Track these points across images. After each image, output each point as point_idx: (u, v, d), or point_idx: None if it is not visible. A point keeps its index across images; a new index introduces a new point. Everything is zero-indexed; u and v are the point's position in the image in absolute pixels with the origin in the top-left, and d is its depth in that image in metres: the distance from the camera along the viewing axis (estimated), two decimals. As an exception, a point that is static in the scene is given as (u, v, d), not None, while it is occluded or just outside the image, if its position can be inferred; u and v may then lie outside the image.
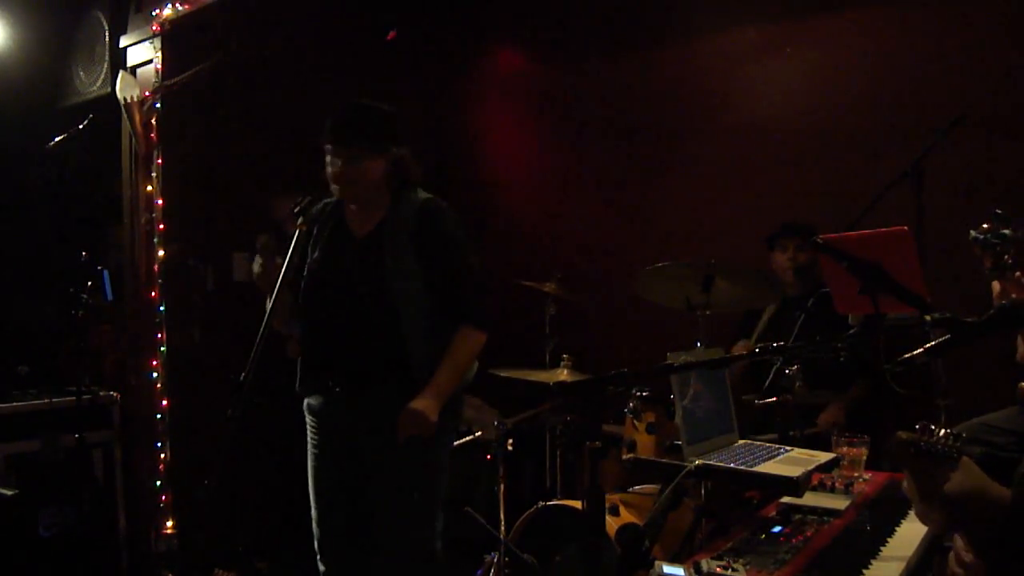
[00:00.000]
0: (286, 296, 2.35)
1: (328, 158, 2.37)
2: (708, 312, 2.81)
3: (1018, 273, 2.22)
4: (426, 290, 2.37)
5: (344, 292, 2.38)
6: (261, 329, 2.23)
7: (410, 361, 2.33)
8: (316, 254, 2.45)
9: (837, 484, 2.08)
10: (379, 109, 2.39)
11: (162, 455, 3.60)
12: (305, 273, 2.45)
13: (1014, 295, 2.18)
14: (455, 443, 3.23)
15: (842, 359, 3.10)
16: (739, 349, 3.42)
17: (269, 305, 2.31)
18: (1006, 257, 2.17)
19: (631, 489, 3.16)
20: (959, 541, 1.16)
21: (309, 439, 2.50)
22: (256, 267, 2.40)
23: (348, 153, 2.33)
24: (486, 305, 2.45)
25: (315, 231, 2.48)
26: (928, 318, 1.29)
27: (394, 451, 2.34)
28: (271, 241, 2.39)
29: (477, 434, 3.27)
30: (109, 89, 3.81)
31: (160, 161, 3.65)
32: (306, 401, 2.51)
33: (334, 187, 2.38)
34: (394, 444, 2.32)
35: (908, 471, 1.11)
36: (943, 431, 1.13)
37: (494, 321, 2.48)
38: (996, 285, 2.23)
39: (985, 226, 2.20)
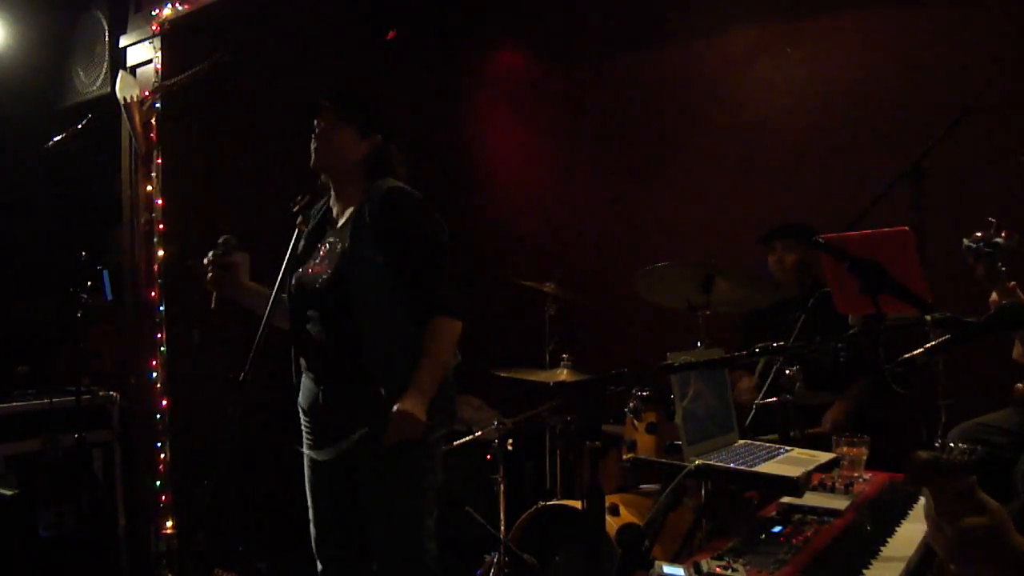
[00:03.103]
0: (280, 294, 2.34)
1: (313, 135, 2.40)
2: (708, 312, 2.81)
3: (1013, 283, 2.23)
4: (388, 280, 2.31)
5: (311, 284, 2.36)
6: (261, 328, 2.23)
7: (363, 354, 2.28)
8: (301, 248, 2.44)
9: (837, 484, 2.08)
10: (365, 91, 2.43)
11: (162, 455, 3.60)
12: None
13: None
14: (455, 443, 3.25)
15: (842, 359, 3.10)
16: (745, 385, 3.37)
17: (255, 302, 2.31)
18: (999, 265, 2.18)
19: (631, 489, 3.16)
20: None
21: (304, 438, 2.50)
22: (205, 261, 2.39)
23: (326, 118, 2.36)
24: (458, 292, 2.37)
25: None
26: (928, 318, 1.29)
27: (375, 450, 2.29)
28: (232, 239, 2.40)
29: (477, 434, 3.27)
30: (109, 89, 3.81)
31: (160, 161, 3.65)
32: (299, 399, 2.50)
33: (313, 158, 2.40)
34: (373, 442, 2.28)
35: (930, 489, 1.11)
36: (959, 445, 1.14)
37: (492, 321, 2.47)
38: (994, 296, 2.25)
39: (978, 235, 2.21)
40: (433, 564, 2.39)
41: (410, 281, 2.32)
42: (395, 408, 2.21)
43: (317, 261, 2.39)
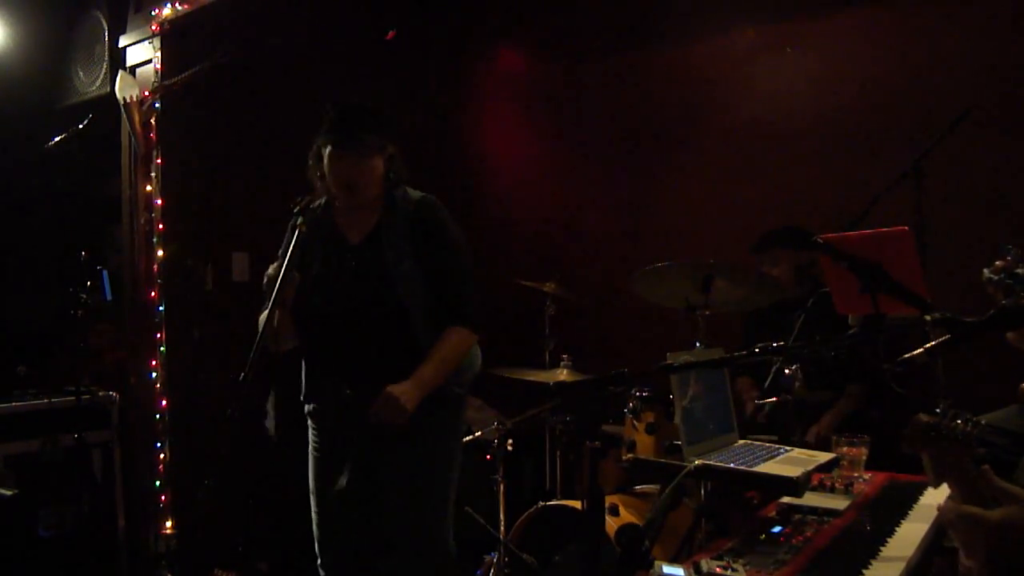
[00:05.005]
0: (281, 311, 2.27)
1: (329, 160, 2.31)
2: (708, 312, 2.80)
3: None
4: (426, 289, 2.36)
5: (350, 299, 2.35)
6: (261, 329, 2.22)
7: (422, 360, 2.32)
8: (315, 264, 2.40)
9: (837, 484, 2.08)
10: (375, 106, 2.36)
11: (162, 455, 3.60)
12: (306, 284, 2.37)
13: None
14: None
15: (842, 359, 3.10)
16: (747, 388, 3.39)
17: (262, 318, 2.26)
18: (1020, 293, 2.18)
19: (631, 489, 3.16)
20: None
21: (311, 444, 2.49)
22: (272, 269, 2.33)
23: (357, 153, 2.29)
24: (479, 307, 2.42)
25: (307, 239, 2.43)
26: (928, 318, 1.29)
27: (408, 449, 2.34)
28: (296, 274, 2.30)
29: (477, 434, 3.27)
30: (109, 89, 3.81)
31: (160, 161, 3.65)
32: (308, 407, 2.49)
33: (341, 190, 2.33)
34: (408, 443, 2.33)
35: (925, 454, 1.12)
36: (963, 418, 1.14)
37: (492, 321, 2.47)
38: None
39: (998, 264, 2.21)
40: (454, 554, 2.43)
41: (440, 289, 2.36)
42: (386, 389, 2.24)
43: (350, 276, 2.35)
